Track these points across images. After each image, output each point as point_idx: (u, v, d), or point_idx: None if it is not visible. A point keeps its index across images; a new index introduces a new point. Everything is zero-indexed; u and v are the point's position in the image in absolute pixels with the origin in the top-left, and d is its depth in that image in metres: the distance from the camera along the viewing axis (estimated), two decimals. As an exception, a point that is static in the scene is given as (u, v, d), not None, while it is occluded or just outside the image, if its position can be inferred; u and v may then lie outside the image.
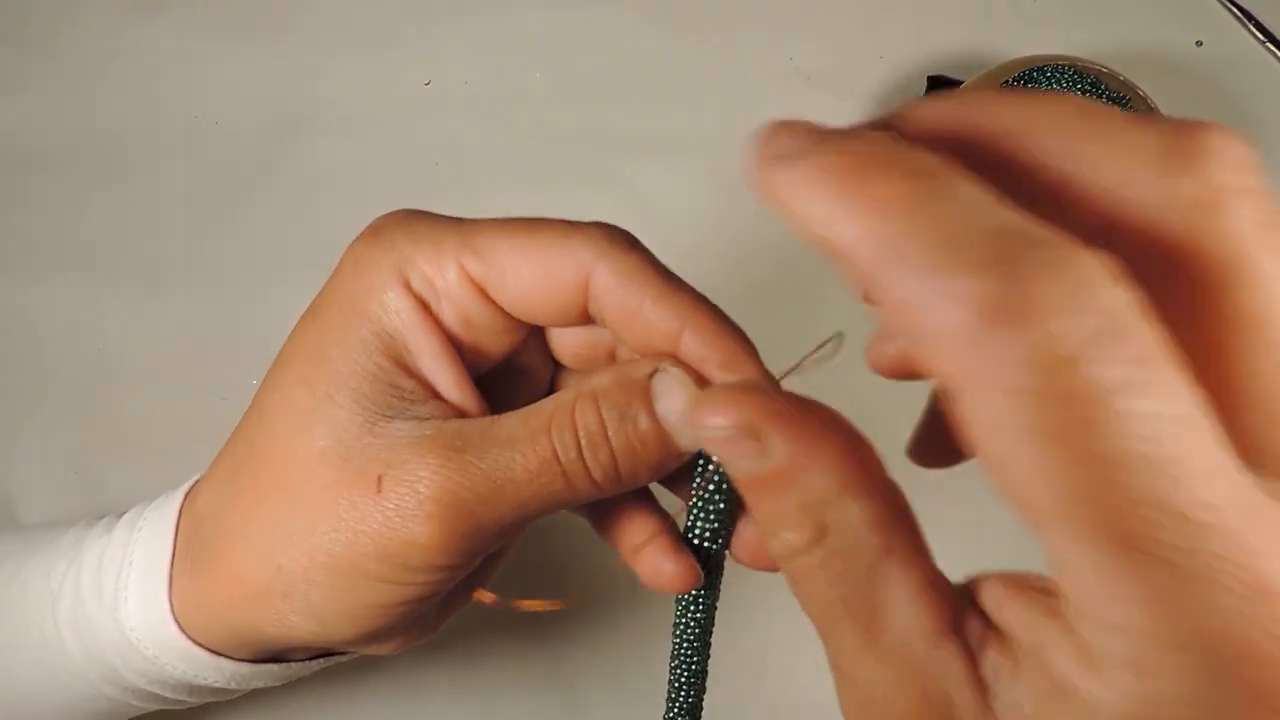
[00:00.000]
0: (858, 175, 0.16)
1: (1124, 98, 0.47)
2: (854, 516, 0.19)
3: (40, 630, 0.29)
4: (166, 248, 0.53)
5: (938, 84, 0.54)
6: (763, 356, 0.26)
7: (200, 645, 0.28)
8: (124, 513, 0.31)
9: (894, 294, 0.15)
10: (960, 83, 0.49)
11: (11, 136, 0.53)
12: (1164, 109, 0.46)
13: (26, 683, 0.30)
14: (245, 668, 0.29)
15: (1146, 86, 0.46)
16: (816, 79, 0.56)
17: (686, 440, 0.25)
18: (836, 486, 0.19)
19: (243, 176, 0.53)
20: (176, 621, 0.28)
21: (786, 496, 0.19)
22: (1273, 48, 0.57)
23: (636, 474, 0.25)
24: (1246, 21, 0.57)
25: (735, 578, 0.29)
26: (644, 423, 0.24)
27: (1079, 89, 0.47)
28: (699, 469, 0.26)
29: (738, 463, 0.20)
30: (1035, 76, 0.47)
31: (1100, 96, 0.47)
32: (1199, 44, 0.57)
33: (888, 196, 0.15)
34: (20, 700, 0.31)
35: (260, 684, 0.31)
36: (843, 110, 0.56)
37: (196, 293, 0.52)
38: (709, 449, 0.22)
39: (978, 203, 0.15)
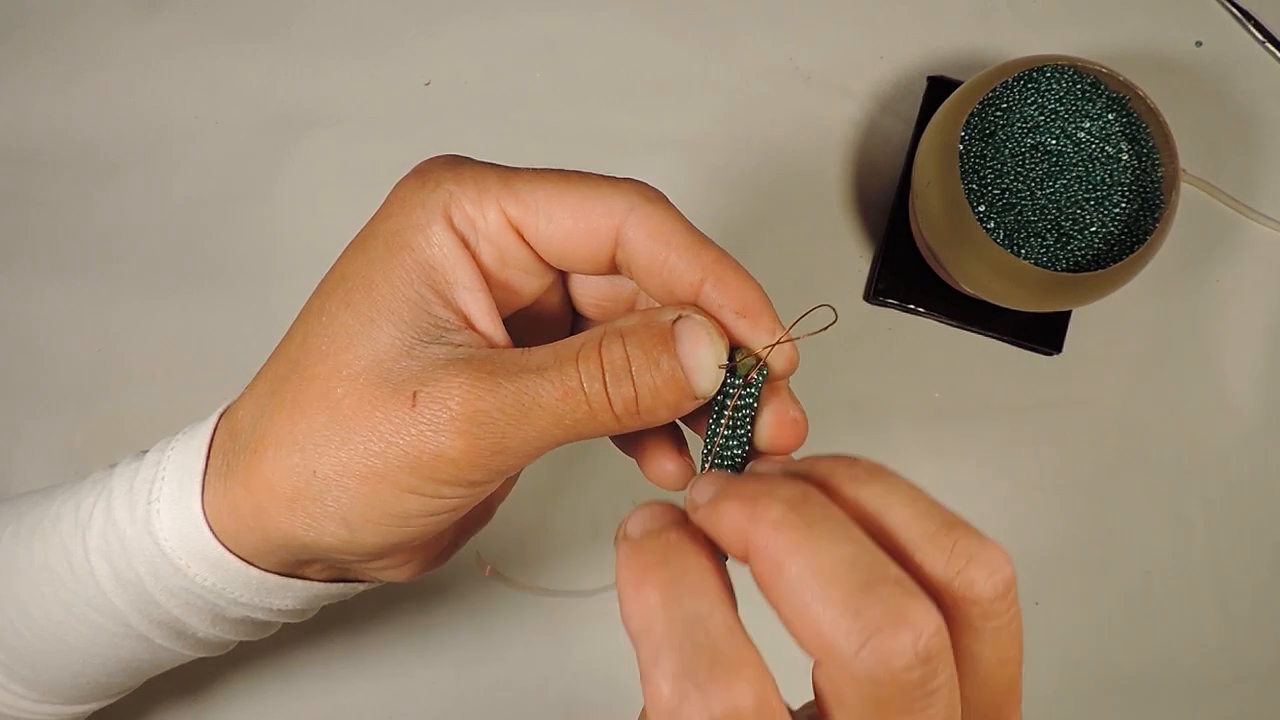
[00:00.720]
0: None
1: (1124, 98, 0.47)
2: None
3: (69, 564, 0.30)
4: (166, 248, 0.53)
5: (938, 84, 0.54)
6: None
7: (231, 551, 0.29)
8: (146, 450, 0.32)
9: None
10: (960, 83, 0.49)
11: (12, 136, 0.53)
12: (1164, 109, 0.46)
13: (53, 627, 0.31)
14: (272, 579, 0.30)
15: (1146, 86, 0.46)
16: (816, 79, 0.56)
17: (703, 384, 0.26)
18: None
19: (243, 176, 0.53)
20: (210, 527, 0.29)
21: None
22: (1273, 48, 0.57)
23: (655, 411, 0.26)
24: (1246, 21, 0.57)
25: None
26: (666, 364, 0.26)
27: (1079, 89, 0.47)
28: (713, 421, 0.28)
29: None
30: (1035, 76, 0.47)
31: (1100, 96, 0.47)
32: (1199, 44, 0.57)
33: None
34: (46, 649, 0.32)
35: (284, 604, 0.31)
36: (843, 110, 0.56)
37: (196, 293, 0.52)
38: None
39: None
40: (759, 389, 0.27)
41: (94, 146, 0.53)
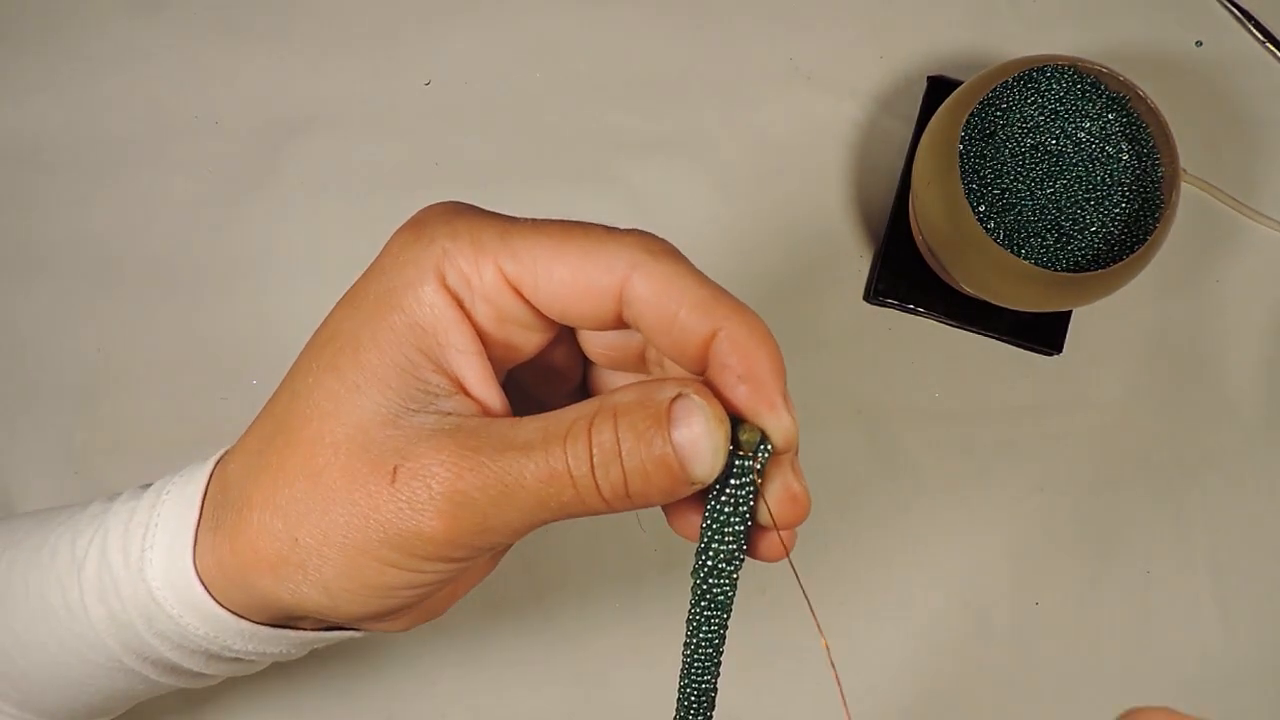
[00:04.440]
0: None
1: (1124, 98, 0.47)
2: None
3: (64, 600, 0.30)
4: (166, 248, 0.53)
5: (938, 84, 0.54)
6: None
7: (221, 605, 0.29)
8: (147, 485, 0.31)
9: None
10: (960, 83, 0.49)
11: (11, 136, 0.53)
12: (1164, 109, 0.46)
13: (45, 659, 0.31)
14: (264, 630, 0.30)
15: (1146, 86, 0.46)
16: (816, 79, 0.56)
17: (700, 470, 0.25)
18: None
19: (243, 176, 0.53)
20: (200, 580, 0.28)
21: None
22: (1273, 48, 0.57)
23: (647, 495, 0.25)
24: (1246, 21, 0.57)
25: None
26: (659, 447, 0.24)
27: (1079, 89, 0.47)
28: (713, 496, 0.26)
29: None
30: (1035, 76, 0.47)
31: (1100, 96, 0.47)
32: (1199, 44, 0.57)
33: None
34: (37, 677, 0.32)
35: (277, 650, 0.31)
36: (843, 110, 0.56)
37: (196, 293, 0.52)
38: None
39: None
40: (762, 467, 0.26)
41: (94, 146, 0.53)
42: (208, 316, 0.52)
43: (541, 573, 0.50)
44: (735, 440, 0.25)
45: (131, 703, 0.35)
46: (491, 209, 0.28)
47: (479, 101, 0.55)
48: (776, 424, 0.25)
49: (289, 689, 0.48)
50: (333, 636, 0.32)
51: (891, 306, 0.53)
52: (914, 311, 0.53)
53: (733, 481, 0.26)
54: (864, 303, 0.54)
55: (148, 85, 0.54)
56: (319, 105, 0.54)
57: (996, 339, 0.53)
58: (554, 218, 0.27)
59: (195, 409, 0.51)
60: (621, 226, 0.27)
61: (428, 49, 0.55)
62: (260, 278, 0.52)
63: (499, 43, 0.56)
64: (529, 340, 0.28)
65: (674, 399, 0.25)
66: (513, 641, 0.50)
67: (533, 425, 0.25)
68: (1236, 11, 0.57)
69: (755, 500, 0.26)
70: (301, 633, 0.31)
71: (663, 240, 0.27)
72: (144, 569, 0.29)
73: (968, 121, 0.47)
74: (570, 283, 0.26)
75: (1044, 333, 0.53)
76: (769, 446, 0.26)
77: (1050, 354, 0.53)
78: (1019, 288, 0.46)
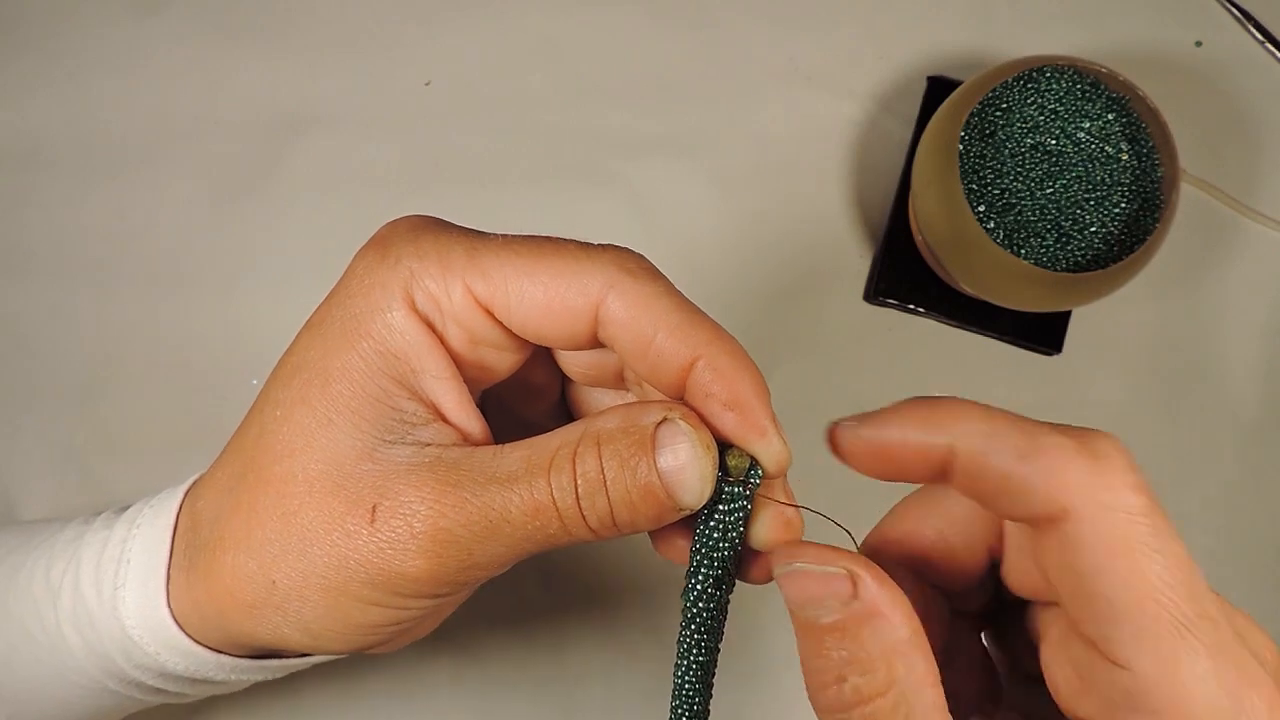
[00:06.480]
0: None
1: (1124, 98, 0.47)
2: (919, 669, 0.21)
3: (42, 627, 0.30)
4: (166, 248, 0.53)
5: (938, 84, 0.54)
6: (760, 355, 0.26)
7: (199, 643, 0.28)
8: (124, 507, 0.31)
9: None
10: (960, 83, 0.49)
11: (12, 136, 0.53)
12: (1164, 109, 0.46)
13: (28, 680, 0.31)
14: (245, 663, 0.29)
15: (1146, 86, 0.46)
16: (816, 79, 0.56)
17: (688, 498, 0.24)
18: (910, 636, 0.21)
19: (243, 176, 0.53)
20: (175, 620, 0.28)
21: (865, 642, 0.21)
22: (1272, 48, 0.57)
23: (635, 524, 0.25)
24: (1246, 21, 0.57)
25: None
26: (644, 474, 0.24)
27: (1079, 89, 0.47)
28: (701, 521, 0.26)
29: (825, 605, 0.22)
30: (1035, 76, 0.47)
31: (1100, 96, 0.47)
32: (1199, 44, 0.57)
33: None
34: (22, 697, 0.31)
35: (260, 678, 0.31)
36: (843, 110, 0.56)
37: (196, 293, 0.52)
38: (785, 588, 0.23)
39: None
40: (752, 493, 0.25)
41: (94, 146, 0.53)
42: (208, 316, 0.52)
43: (540, 576, 0.50)
44: (724, 466, 0.25)
45: (121, 714, 0.34)
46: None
47: (479, 101, 0.55)
48: (767, 450, 0.25)
49: (287, 693, 0.48)
50: (314, 660, 0.31)
51: (891, 306, 0.53)
52: (914, 311, 0.53)
53: (721, 507, 0.25)
54: (864, 303, 0.54)
55: (148, 85, 0.54)
56: (319, 105, 0.54)
57: (996, 339, 0.53)
58: (532, 232, 0.26)
59: (195, 409, 0.51)
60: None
61: (428, 49, 0.55)
62: (260, 278, 0.52)
63: (499, 43, 0.56)
64: (503, 361, 0.27)
65: (659, 424, 0.24)
66: (509, 646, 0.50)
67: (515, 455, 0.24)
68: (1236, 11, 0.57)
69: (745, 526, 0.26)
70: (282, 661, 0.30)
71: (640, 258, 0.25)
72: (117, 607, 0.28)
73: (968, 121, 0.47)
74: (543, 304, 0.25)
75: (1044, 333, 0.53)
76: (759, 472, 0.25)
77: (1050, 354, 0.53)
78: (1019, 288, 0.46)
